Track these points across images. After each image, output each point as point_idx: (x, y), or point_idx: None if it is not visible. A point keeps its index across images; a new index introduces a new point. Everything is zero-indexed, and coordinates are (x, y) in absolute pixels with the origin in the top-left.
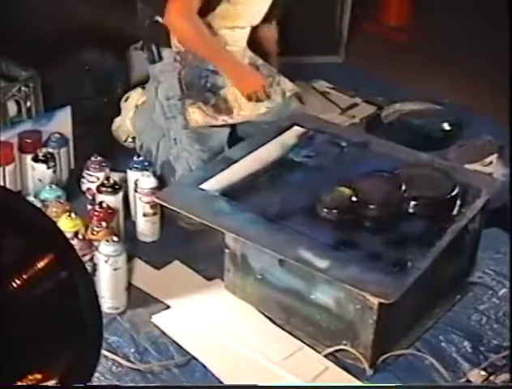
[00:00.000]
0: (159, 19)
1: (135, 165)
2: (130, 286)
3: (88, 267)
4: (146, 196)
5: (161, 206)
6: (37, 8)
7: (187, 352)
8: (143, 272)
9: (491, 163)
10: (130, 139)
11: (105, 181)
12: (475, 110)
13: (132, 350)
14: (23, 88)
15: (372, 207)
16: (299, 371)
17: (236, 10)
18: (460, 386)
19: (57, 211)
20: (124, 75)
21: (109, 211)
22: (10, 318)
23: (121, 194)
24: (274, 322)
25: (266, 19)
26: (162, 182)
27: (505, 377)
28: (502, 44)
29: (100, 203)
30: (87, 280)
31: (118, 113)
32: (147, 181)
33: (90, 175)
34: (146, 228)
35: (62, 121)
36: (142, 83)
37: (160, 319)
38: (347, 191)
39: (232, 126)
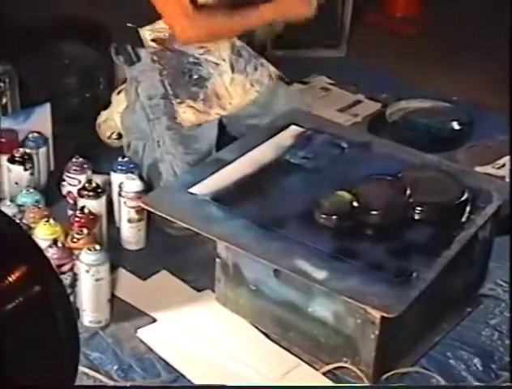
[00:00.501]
0: (129, 25)
1: (120, 167)
2: (113, 298)
3: (68, 277)
4: (131, 200)
5: (147, 211)
6: None
7: (174, 370)
8: (128, 283)
9: (504, 165)
10: (114, 136)
11: (87, 185)
12: (486, 108)
13: (115, 367)
14: None
15: (374, 213)
16: None
17: None
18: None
19: (35, 216)
20: (107, 70)
21: (91, 216)
22: None
23: (104, 199)
24: (268, 337)
25: None
26: (148, 186)
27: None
28: None
29: (82, 208)
30: (62, 294)
31: (104, 108)
32: (133, 184)
33: (71, 177)
34: (131, 235)
35: (41, 119)
36: None
37: (146, 334)
38: (347, 196)
39: (221, 125)
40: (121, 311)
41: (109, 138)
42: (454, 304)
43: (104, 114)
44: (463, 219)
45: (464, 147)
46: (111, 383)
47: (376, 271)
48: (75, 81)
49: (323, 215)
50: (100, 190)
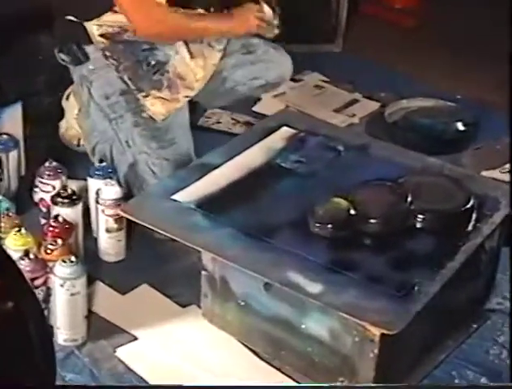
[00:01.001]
0: (71, 18)
1: (97, 172)
2: (90, 314)
3: (41, 292)
4: (109, 208)
5: (127, 220)
6: None
7: None
8: (106, 298)
9: None
10: (82, 142)
11: (62, 191)
12: (493, 107)
13: None
14: None
15: (372, 221)
16: None
17: None
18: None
19: (5, 225)
20: None
21: (66, 225)
22: None
23: (80, 206)
24: (259, 356)
25: None
26: (128, 192)
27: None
28: None
29: (56, 217)
30: (36, 311)
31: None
32: (111, 190)
33: (44, 183)
34: (109, 245)
35: (11, 120)
36: None
37: (126, 353)
38: (343, 203)
39: (191, 106)
40: (98, 328)
41: (78, 145)
42: (459, 319)
43: (62, 124)
44: (469, 228)
45: (469, 150)
46: None
47: (375, 284)
48: (49, 79)
49: (318, 224)
50: (75, 197)
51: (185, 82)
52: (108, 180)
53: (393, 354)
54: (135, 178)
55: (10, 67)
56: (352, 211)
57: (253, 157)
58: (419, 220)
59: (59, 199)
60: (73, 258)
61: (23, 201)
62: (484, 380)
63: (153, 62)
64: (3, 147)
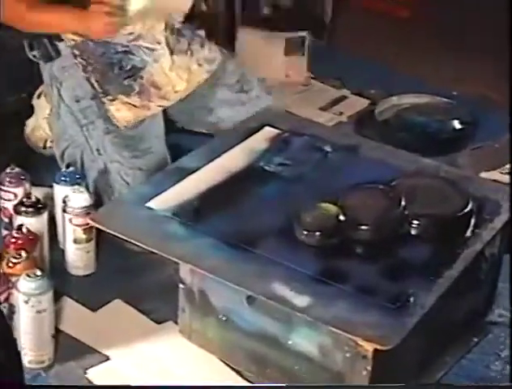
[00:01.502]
0: None
1: (64, 178)
2: (57, 333)
3: (4, 309)
4: (78, 217)
5: (97, 230)
6: None
7: None
8: (75, 315)
9: None
10: (49, 144)
11: (25, 199)
12: (492, 104)
13: None
14: None
15: (364, 227)
16: None
17: None
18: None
19: None
20: None
21: (31, 236)
22: None
23: (45, 216)
24: (242, 376)
25: None
26: (98, 200)
27: None
28: None
29: (19, 227)
30: (3, 330)
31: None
32: (80, 198)
33: (5, 191)
34: (78, 258)
35: None
36: None
37: (97, 374)
38: (332, 208)
39: (166, 117)
40: (67, 348)
41: (44, 148)
42: (458, 333)
43: (29, 123)
44: (467, 233)
45: (467, 150)
46: None
47: (367, 295)
48: (10, 77)
49: (305, 232)
50: (40, 206)
51: (160, 91)
52: (76, 186)
53: (387, 371)
54: (106, 186)
55: None
56: (342, 217)
57: (233, 160)
58: (413, 225)
59: (22, 208)
60: (38, 272)
61: None
62: None
63: (127, 67)
64: None
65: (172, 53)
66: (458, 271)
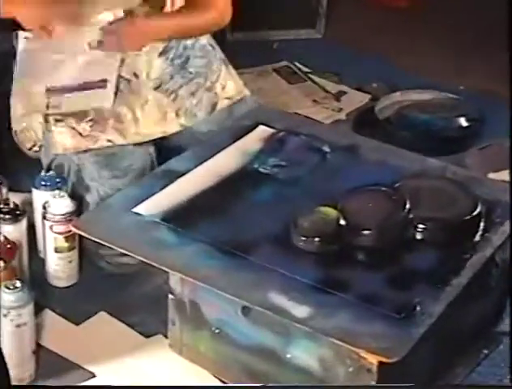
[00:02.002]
0: None
1: (44, 183)
2: (39, 348)
3: None
4: (59, 224)
5: (80, 237)
6: None
7: None
8: (57, 329)
9: None
10: (36, 148)
11: (2, 205)
12: (501, 100)
13: None
14: None
15: (366, 233)
16: None
17: None
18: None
19: None
20: None
21: (8, 245)
22: None
23: (24, 223)
24: None
25: None
26: (80, 205)
27: None
28: None
29: None
30: None
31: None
32: (61, 203)
33: None
34: (59, 268)
35: None
36: None
37: None
38: (331, 213)
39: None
40: (49, 365)
41: (30, 149)
42: (468, 344)
43: (20, 120)
44: (476, 238)
45: (474, 149)
46: None
47: (370, 305)
48: None
49: (303, 238)
50: (18, 212)
51: (120, 125)
52: (57, 191)
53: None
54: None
55: None
56: (342, 222)
57: (226, 162)
58: (419, 230)
59: (0, 215)
60: (17, 283)
61: None
62: None
63: None
64: None
65: (158, 87)
66: (467, 278)
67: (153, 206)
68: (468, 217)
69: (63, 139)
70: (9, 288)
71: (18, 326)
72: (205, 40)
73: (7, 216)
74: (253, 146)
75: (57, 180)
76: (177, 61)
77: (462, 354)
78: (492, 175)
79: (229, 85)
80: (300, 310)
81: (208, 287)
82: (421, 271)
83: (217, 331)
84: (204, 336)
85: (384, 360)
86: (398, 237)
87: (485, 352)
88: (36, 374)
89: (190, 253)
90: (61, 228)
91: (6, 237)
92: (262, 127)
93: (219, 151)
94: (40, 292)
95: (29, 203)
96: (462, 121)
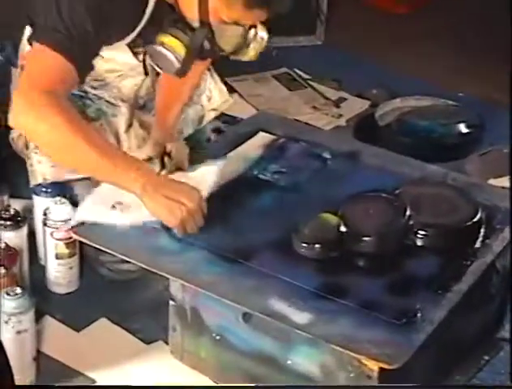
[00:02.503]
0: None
1: (44, 189)
2: (39, 355)
3: None
4: (60, 231)
5: (81, 243)
6: None
7: None
8: (58, 335)
9: None
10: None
11: (3, 212)
12: (501, 106)
13: None
14: None
15: (366, 239)
16: None
17: None
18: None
19: None
20: None
21: (9, 252)
22: None
23: (25, 229)
24: None
25: None
26: None
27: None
28: None
29: None
30: None
31: None
32: (61, 210)
33: None
34: (60, 274)
35: None
36: None
37: None
38: (332, 219)
39: None
40: (49, 371)
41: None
42: (468, 351)
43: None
44: (477, 244)
45: (475, 156)
46: None
47: (371, 311)
48: None
49: (304, 244)
50: (19, 219)
51: None
52: (58, 198)
53: None
54: None
55: None
56: (343, 229)
57: (226, 168)
58: (420, 236)
59: (0, 222)
60: (18, 290)
61: None
62: None
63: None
64: None
65: (141, 107)
66: (468, 285)
67: None
68: (469, 223)
69: (42, 169)
70: (10, 295)
71: (18, 332)
72: None
73: (8, 223)
74: (254, 152)
75: (58, 187)
76: None
77: (462, 360)
78: (492, 181)
79: (215, 95)
80: (301, 317)
81: (209, 293)
82: (422, 277)
83: (218, 337)
84: (205, 343)
85: (385, 366)
86: (398, 243)
87: (486, 358)
88: (36, 380)
89: (191, 259)
90: (62, 234)
91: (6, 244)
92: (262, 134)
93: (219, 158)
94: (41, 299)
95: (30, 210)
96: (463, 128)
